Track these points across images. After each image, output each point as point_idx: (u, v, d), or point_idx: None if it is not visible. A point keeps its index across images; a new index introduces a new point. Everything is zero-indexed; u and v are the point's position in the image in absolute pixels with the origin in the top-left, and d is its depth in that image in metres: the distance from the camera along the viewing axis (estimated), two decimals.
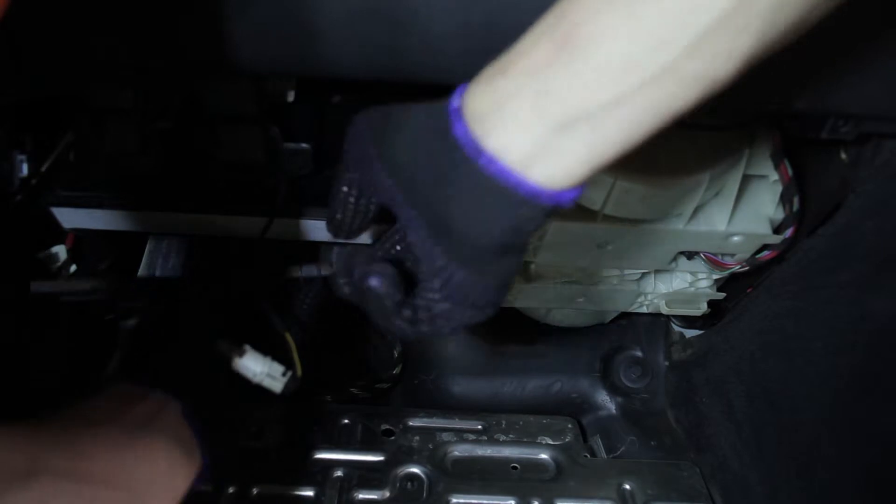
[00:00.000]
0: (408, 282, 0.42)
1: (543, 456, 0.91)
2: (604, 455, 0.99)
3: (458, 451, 0.90)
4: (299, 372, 0.63)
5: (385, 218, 0.45)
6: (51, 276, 0.77)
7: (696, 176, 0.64)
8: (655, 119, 0.33)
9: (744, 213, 0.71)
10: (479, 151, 0.34)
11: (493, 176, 0.34)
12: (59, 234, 0.76)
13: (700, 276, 0.84)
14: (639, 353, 1.11)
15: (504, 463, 0.90)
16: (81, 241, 0.78)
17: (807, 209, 0.72)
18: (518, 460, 0.90)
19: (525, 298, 0.88)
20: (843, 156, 0.69)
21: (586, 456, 0.93)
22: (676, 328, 1.06)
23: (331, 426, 0.91)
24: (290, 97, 0.66)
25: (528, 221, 0.36)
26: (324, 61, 0.47)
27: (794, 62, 0.48)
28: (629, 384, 1.09)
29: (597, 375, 1.11)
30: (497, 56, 0.35)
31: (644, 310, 0.91)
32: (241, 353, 0.59)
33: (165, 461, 0.49)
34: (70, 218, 0.73)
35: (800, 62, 0.48)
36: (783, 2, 0.29)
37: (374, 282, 0.40)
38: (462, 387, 1.10)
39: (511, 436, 0.94)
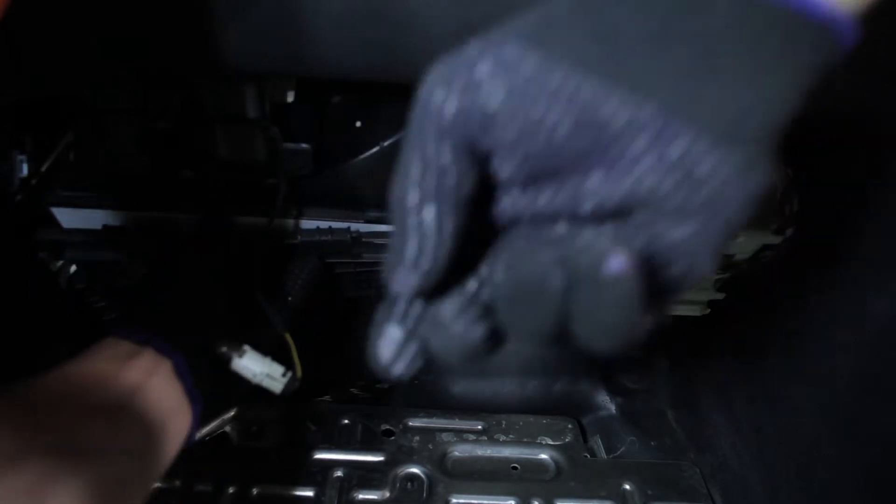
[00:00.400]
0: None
1: (543, 456, 0.91)
2: (604, 455, 0.99)
3: (458, 451, 0.90)
4: (299, 372, 0.63)
5: None
6: (51, 275, 0.77)
7: None
8: None
9: None
10: None
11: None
12: None
13: None
14: (639, 354, 1.11)
15: (504, 463, 0.90)
16: None
17: (807, 209, 0.72)
18: (518, 460, 0.90)
19: None
20: (843, 156, 0.69)
21: (586, 456, 0.93)
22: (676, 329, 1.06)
23: (331, 426, 0.91)
24: (290, 97, 0.66)
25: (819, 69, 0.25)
26: (323, 62, 0.47)
27: None
28: (629, 384, 1.09)
29: (597, 375, 1.11)
30: None
31: None
32: (241, 354, 0.58)
33: (159, 424, 0.48)
34: (70, 218, 0.73)
35: None
36: None
37: (619, 263, 0.23)
38: (462, 387, 1.10)
39: (511, 436, 0.94)
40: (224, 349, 0.58)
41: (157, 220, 0.73)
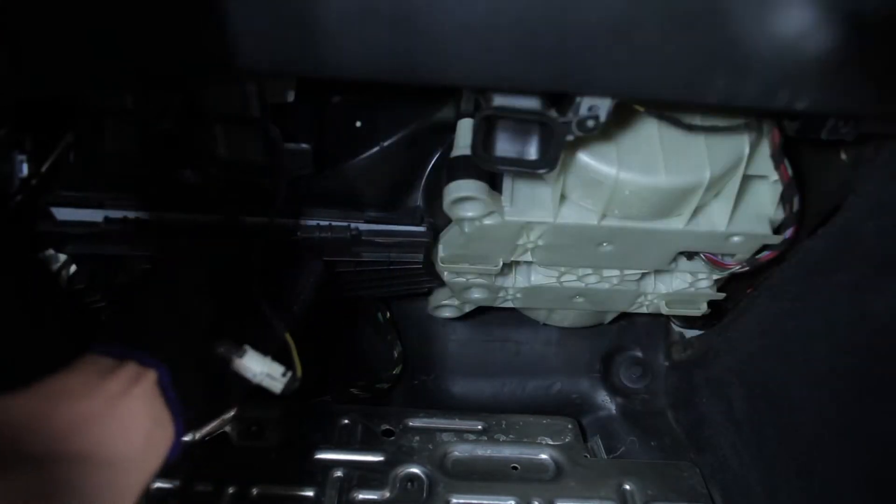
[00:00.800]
0: None
1: (543, 456, 0.91)
2: (604, 455, 0.99)
3: (458, 451, 0.90)
4: (299, 372, 0.62)
5: None
6: (51, 275, 0.77)
7: (696, 176, 0.64)
8: None
9: (744, 213, 0.71)
10: None
11: None
12: None
13: (700, 276, 0.84)
14: (639, 354, 1.11)
15: (504, 463, 0.90)
16: None
17: (807, 209, 0.72)
18: (518, 460, 0.90)
19: (525, 299, 0.88)
20: (843, 156, 0.69)
21: (586, 456, 0.93)
22: (676, 328, 1.06)
23: (331, 426, 0.91)
24: (290, 97, 0.66)
25: None
26: (329, 62, 0.47)
27: (793, 62, 0.48)
28: (629, 384, 1.09)
29: (597, 376, 1.11)
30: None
31: (644, 310, 0.91)
32: (242, 354, 0.58)
33: (141, 435, 0.48)
34: (70, 218, 0.73)
35: (800, 62, 0.48)
36: None
37: None
38: (462, 387, 1.10)
39: (511, 436, 0.94)
40: (222, 350, 0.58)
41: (157, 220, 0.73)
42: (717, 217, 0.71)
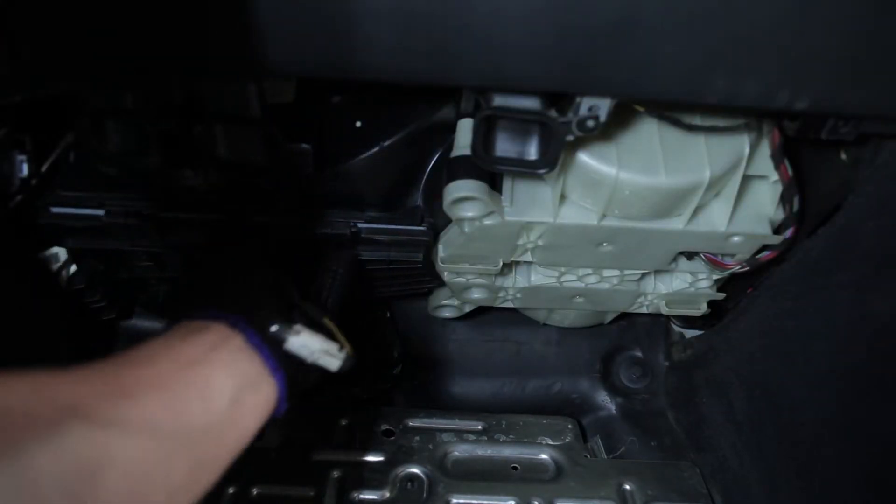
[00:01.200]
0: None
1: (543, 456, 0.91)
2: (604, 455, 0.99)
3: (458, 451, 0.90)
4: (350, 350, 0.59)
5: None
6: (51, 275, 0.77)
7: (696, 176, 0.64)
8: None
9: (744, 213, 0.71)
10: None
11: None
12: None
13: (700, 276, 0.84)
14: (639, 354, 1.11)
15: (504, 463, 0.90)
16: None
17: (807, 209, 0.72)
18: (518, 461, 0.90)
19: (525, 299, 0.88)
20: (843, 156, 0.69)
21: (586, 456, 0.93)
22: (676, 328, 1.06)
23: (330, 426, 0.91)
24: (290, 97, 0.66)
25: None
26: (365, 64, 0.46)
27: (794, 62, 0.48)
28: (629, 384, 1.09)
29: (597, 376, 1.11)
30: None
31: (644, 310, 0.91)
32: (297, 332, 0.56)
33: (226, 399, 0.44)
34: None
35: (800, 62, 0.48)
36: None
37: None
38: (462, 387, 1.10)
39: (511, 436, 0.94)
40: (276, 328, 0.54)
41: (157, 220, 0.73)
42: (717, 217, 0.71)
